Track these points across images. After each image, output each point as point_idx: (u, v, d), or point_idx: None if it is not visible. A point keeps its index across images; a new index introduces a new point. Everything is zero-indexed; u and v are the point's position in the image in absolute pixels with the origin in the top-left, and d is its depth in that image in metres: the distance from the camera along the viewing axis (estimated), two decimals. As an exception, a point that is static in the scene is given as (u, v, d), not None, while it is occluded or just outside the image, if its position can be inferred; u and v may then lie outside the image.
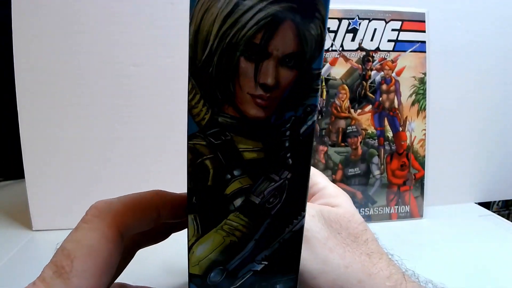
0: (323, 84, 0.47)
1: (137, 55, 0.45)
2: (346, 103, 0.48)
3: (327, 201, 0.28)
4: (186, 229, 0.26)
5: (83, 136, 0.46)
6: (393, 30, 0.48)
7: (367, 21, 0.47)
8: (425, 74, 0.49)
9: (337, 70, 0.47)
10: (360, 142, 0.49)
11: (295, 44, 0.22)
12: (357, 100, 0.48)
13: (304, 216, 0.26)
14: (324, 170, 0.48)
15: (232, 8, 0.21)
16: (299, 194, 0.25)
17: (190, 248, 0.26)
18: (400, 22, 0.48)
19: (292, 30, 0.22)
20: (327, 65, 0.47)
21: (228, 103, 0.23)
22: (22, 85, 0.44)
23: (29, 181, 0.46)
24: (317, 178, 0.29)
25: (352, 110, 0.48)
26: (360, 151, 0.49)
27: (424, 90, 0.50)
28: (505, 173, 0.58)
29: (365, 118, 0.49)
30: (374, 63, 0.48)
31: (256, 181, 0.25)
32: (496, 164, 0.57)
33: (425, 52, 0.49)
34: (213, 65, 0.22)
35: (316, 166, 0.48)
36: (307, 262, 0.25)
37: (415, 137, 0.50)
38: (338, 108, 0.48)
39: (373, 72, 0.48)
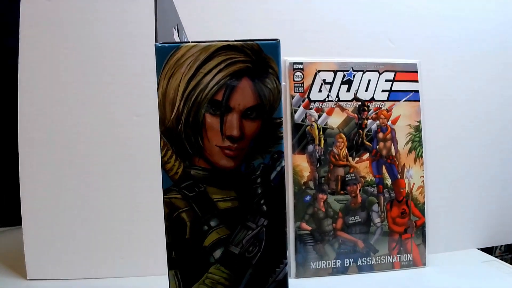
0: (321, 133, 0.48)
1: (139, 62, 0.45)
2: (344, 151, 0.49)
3: None
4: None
5: (82, 185, 0.46)
6: (386, 80, 0.50)
7: (361, 72, 0.49)
8: (420, 122, 0.51)
9: (334, 120, 0.49)
10: (360, 190, 0.49)
11: (254, 98, 0.24)
12: (355, 148, 0.49)
13: (286, 264, 0.26)
14: (324, 218, 0.48)
15: (194, 71, 0.23)
16: (278, 240, 0.25)
17: None
18: (393, 73, 0.50)
19: (250, 86, 0.24)
20: (324, 114, 0.48)
21: (199, 156, 0.24)
22: (25, 130, 0.45)
23: (26, 228, 0.45)
24: None
25: (350, 158, 0.49)
26: (359, 198, 0.49)
27: (420, 137, 0.51)
28: (506, 217, 0.58)
29: (363, 166, 0.49)
30: (369, 112, 0.49)
31: (233, 231, 0.25)
32: (496, 209, 0.57)
33: (419, 101, 0.51)
34: (181, 123, 0.24)
35: (316, 215, 0.48)
36: None
37: (413, 184, 0.50)
38: (336, 156, 0.49)
39: (369, 121, 0.49)
